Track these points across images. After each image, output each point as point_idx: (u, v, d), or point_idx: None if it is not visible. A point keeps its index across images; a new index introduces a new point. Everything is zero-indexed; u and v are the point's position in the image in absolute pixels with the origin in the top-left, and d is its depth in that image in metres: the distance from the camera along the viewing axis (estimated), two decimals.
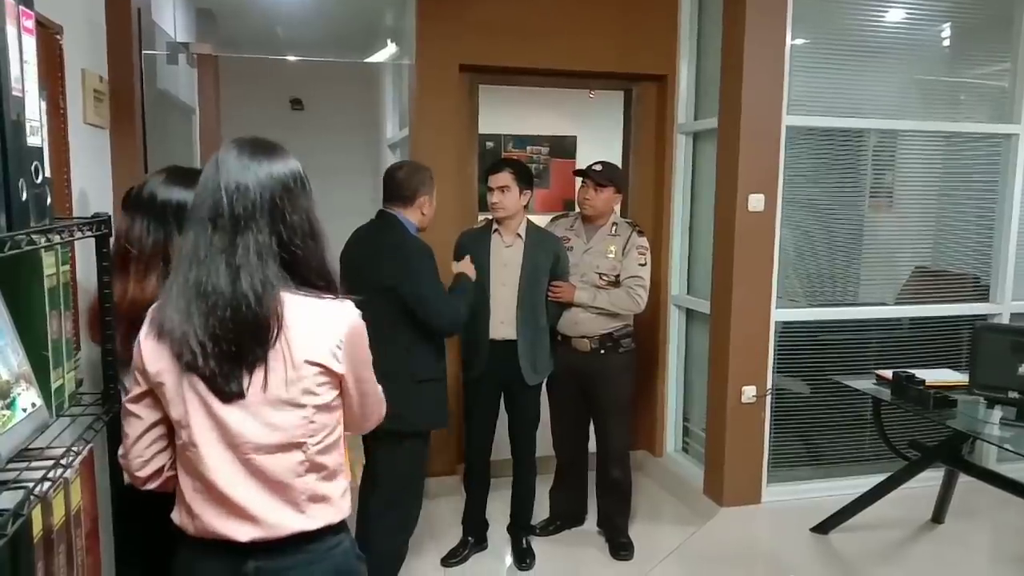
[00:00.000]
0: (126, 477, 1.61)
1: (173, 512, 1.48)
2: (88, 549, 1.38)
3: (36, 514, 1.16)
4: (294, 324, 1.37)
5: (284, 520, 1.42)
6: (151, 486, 1.50)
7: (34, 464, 1.18)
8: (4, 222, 1.06)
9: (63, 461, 1.24)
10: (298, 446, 1.41)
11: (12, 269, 1.25)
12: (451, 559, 3.43)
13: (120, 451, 1.50)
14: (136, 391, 1.44)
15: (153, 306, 1.44)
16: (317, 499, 1.45)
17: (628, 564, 3.46)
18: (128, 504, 1.62)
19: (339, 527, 1.51)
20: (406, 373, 2.76)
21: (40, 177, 1.20)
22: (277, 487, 1.42)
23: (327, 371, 1.41)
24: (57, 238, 1.24)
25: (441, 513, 3.82)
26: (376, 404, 1.60)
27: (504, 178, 3.25)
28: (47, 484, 1.17)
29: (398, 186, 2.88)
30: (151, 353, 1.39)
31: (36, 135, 1.18)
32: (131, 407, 1.46)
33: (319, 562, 1.47)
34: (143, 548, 1.68)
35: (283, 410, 1.39)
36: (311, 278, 1.41)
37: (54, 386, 1.34)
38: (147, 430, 1.46)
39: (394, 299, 2.73)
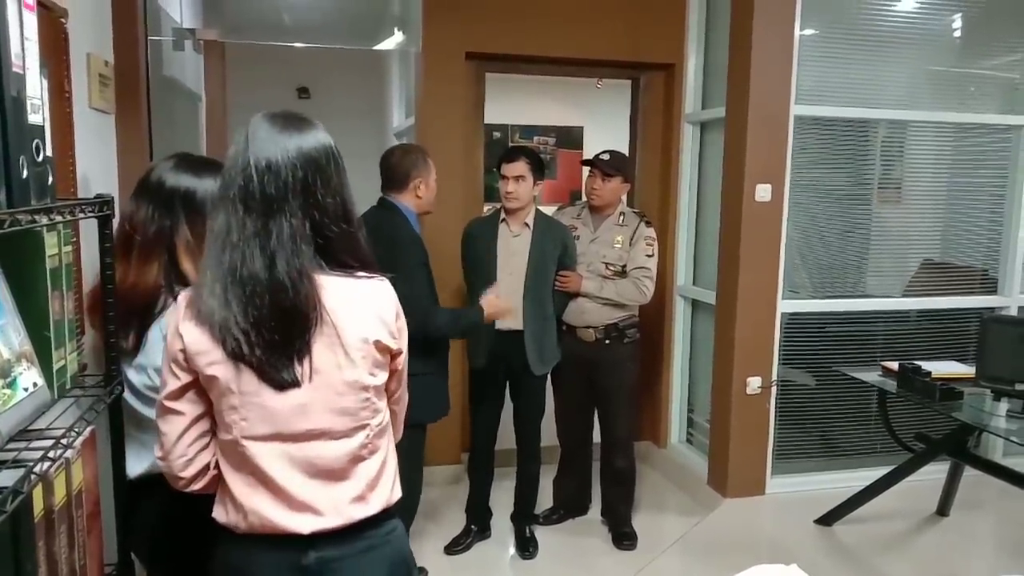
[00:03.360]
0: (131, 469, 1.61)
1: (215, 511, 1.42)
2: (90, 530, 1.38)
3: (37, 494, 1.15)
4: (339, 307, 1.34)
5: (345, 508, 1.40)
6: (196, 487, 1.42)
7: (34, 444, 1.17)
8: (4, 198, 1.05)
9: (64, 441, 1.23)
10: (359, 430, 1.40)
11: (14, 249, 1.24)
12: (454, 547, 3.44)
13: (157, 452, 1.41)
14: (175, 385, 1.36)
15: (186, 290, 1.39)
16: (374, 484, 1.43)
17: (631, 554, 3.46)
18: (132, 489, 1.62)
19: (393, 510, 1.49)
20: None
21: (41, 156, 1.19)
22: (336, 475, 1.39)
23: (384, 348, 1.39)
24: (58, 217, 1.23)
25: (445, 501, 3.82)
26: (404, 388, 1.57)
27: (520, 167, 3.22)
28: (47, 463, 1.16)
29: (391, 170, 2.87)
30: (196, 340, 1.32)
31: (37, 113, 1.17)
32: (170, 404, 1.37)
33: (379, 547, 1.45)
34: (149, 533, 1.68)
35: (343, 394, 1.36)
36: (346, 260, 1.38)
37: (56, 367, 1.33)
38: (189, 427, 1.38)
39: None
